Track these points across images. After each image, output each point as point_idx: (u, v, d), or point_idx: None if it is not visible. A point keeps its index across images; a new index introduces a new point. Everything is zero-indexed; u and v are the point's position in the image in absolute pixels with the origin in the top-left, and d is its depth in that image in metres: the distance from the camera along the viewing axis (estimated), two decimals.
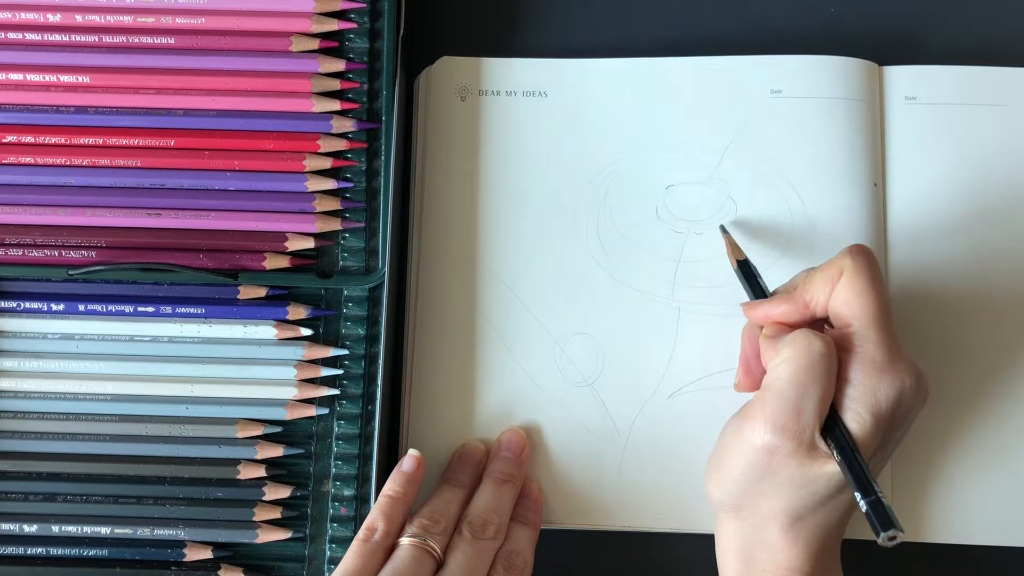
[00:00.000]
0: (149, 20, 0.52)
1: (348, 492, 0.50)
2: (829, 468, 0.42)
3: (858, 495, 0.40)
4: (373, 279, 0.51)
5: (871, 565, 0.49)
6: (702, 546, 0.50)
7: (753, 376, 0.47)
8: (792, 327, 0.44)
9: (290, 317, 0.51)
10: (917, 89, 0.53)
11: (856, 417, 0.42)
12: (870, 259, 0.43)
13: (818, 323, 0.45)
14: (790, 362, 0.42)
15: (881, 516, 0.39)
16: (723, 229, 0.51)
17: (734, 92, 0.53)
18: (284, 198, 0.51)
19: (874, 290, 0.43)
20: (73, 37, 0.51)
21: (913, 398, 0.43)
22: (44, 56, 0.51)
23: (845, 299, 0.43)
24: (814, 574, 0.43)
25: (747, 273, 0.48)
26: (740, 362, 0.48)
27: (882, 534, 0.39)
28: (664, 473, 0.50)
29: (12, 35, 0.51)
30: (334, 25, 0.52)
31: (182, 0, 0.52)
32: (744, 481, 0.43)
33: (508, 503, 0.48)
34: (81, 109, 0.51)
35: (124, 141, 0.51)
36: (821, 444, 0.42)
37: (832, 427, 0.42)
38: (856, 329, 0.43)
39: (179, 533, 0.49)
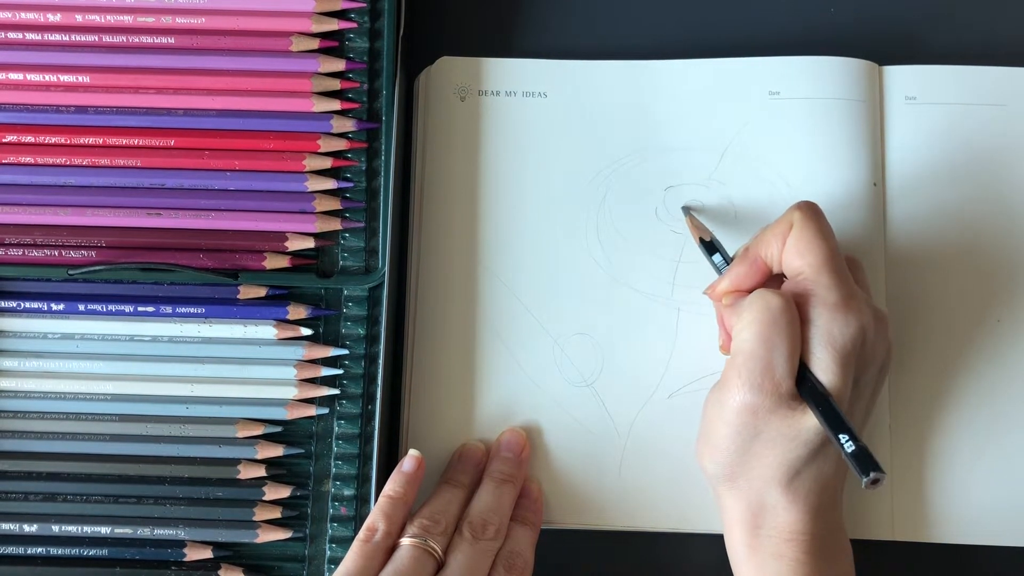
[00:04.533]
0: (149, 20, 0.52)
1: (348, 492, 0.50)
2: (813, 419, 0.42)
3: (839, 440, 0.40)
4: (373, 279, 0.51)
5: (872, 565, 0.49)
6: (702, 546, 0.50)
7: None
8: (749, 292, 0.45)
9: (290, 317, 0.51)
10: (917, 89, 0.53)
11: (814, 359, 0.43)
12: (817, 212, 0.45)
13: (774, 282, 0.46)
14: (753, 324, 0.43)
15: (861, 459, 0.39)
16: (686, 211, 0.51)
17: (733, 94, 0.53)
18: (284, 198, 0.51)
19: (823, 238, 0.44)
20: (73, 37, 0.51)
21: (876, 334, 0.44)
22: (44, 56, 0.51)
23: (797, 249, 0.44)
24: (818, 533, 0.44)
25: (712, 253, 0.49)
26: (719, 325, 0.49)
27: (864, 479, 0.39)
28: (664, 473, 0.50)
29: (12, 35, 0.51)
30: (334, 25, 0.52)
31: (182, 0, 0.52)
32: (734, 448, 0.44)
33: (508, 503, 0.48)
34: (81, 109, 0.51)
35: (124, 141, 0.51)
36: (799, 396, 0.43)
37: (802, 377, 0.43)
38: (808, 275, 0.44)
39: (179, 533, 0.49)
